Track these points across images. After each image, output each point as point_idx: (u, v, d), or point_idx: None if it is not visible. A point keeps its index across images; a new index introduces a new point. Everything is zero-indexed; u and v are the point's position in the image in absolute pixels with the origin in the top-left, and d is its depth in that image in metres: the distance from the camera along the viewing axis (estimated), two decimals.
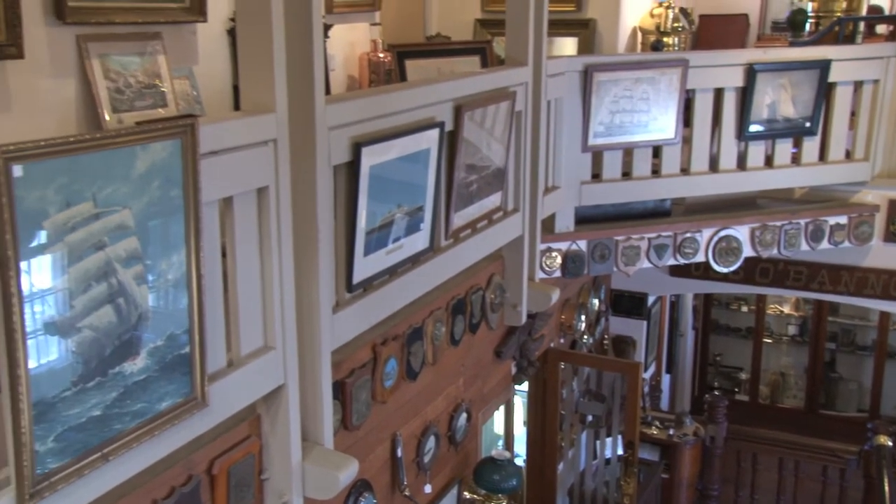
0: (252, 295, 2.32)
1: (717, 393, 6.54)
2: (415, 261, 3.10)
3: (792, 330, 9.39)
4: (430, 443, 3.55)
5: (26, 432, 1.63)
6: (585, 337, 5.49)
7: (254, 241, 2.30)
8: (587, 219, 4.62)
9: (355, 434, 2.98)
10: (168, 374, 1.98)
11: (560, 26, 5.55)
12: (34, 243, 1.62)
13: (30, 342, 1.63)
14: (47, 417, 1.68)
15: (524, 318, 4.17)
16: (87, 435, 1.78)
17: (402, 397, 3.29)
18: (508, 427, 4.75)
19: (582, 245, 4.54)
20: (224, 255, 2.24)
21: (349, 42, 5.22)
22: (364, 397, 2.97)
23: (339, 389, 2.82)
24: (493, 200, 3.69)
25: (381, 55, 5.21)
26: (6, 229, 1.54)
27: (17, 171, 1.55)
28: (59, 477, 1.72)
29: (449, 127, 3.15)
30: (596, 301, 5.70)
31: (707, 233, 4.81)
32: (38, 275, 1.64)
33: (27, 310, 1.61)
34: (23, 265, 1.59)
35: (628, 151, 4.60)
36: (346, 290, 2.72)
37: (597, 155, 4.54)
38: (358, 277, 2.74)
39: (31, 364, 1.64)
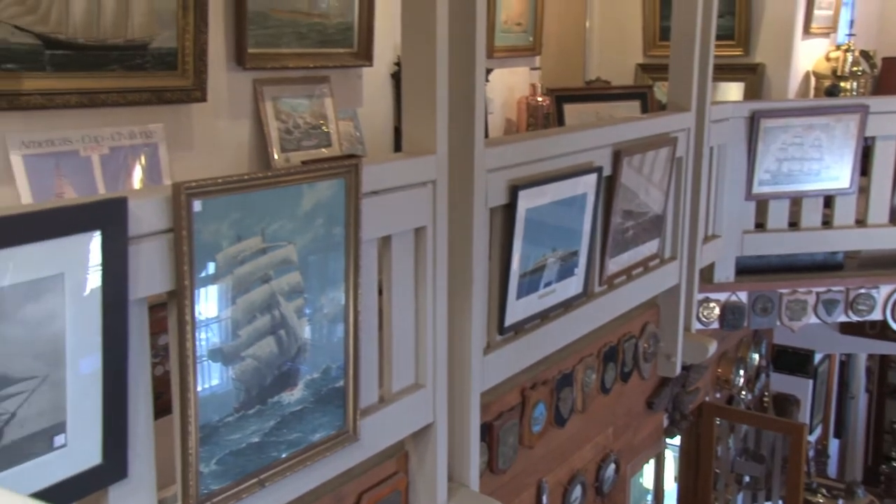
0: (406, 332, 2.35)
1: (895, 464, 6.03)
2: (567, 306, 3.06)
3: None
4: (577, 492, 3.46)
5: (193, 453, 1.72)
6: (744, 393, 5.22)
7: (410, 279, 2.34)
8: (749, 269, 4.42)
9: (501, 478, 2.94)
10: (323, 406, 2.03)
11: (725, 71, 5.39)
12: (207, 274, 1.71)
13: (199, 367, 1.72)
14: (211, 441, 1.77)
15: (678, 370, 4.02)
16: (246, 460, 1.85)
17: (550, 443, 3.24)
18: (659, 481, 4.56)
19: (742, 296, 4.34)
20: (380, 292, 2.29)
21: (508, 86, 5.28)
22: (511, 441, 2.94)
23: (487, 431, 2.81)
24: (650, 247, 3.60)
25: (540, 99, 5.24)
26: (184, 260, 1.64)
27: (197, 206, 1.65)
28: (219, 499, 1.79)
29: (607, 172, 3.11)
30: (756, 356, 5.42)
31: (885, 289, 4.47)
32: (209, 304, 1.73)
33: (198, 337, 1.71)
34: (196, 294, 1.69)
35: (796, 201, 4.37)
36: (497, 332, 2.71)
37: (761, 204, 4.35)
38: (510, 320, 2.73)
39: (199, 388, 1.72)
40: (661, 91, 5.02)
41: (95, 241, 1.50)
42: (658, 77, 5.56)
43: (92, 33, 2.88)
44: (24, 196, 2.75)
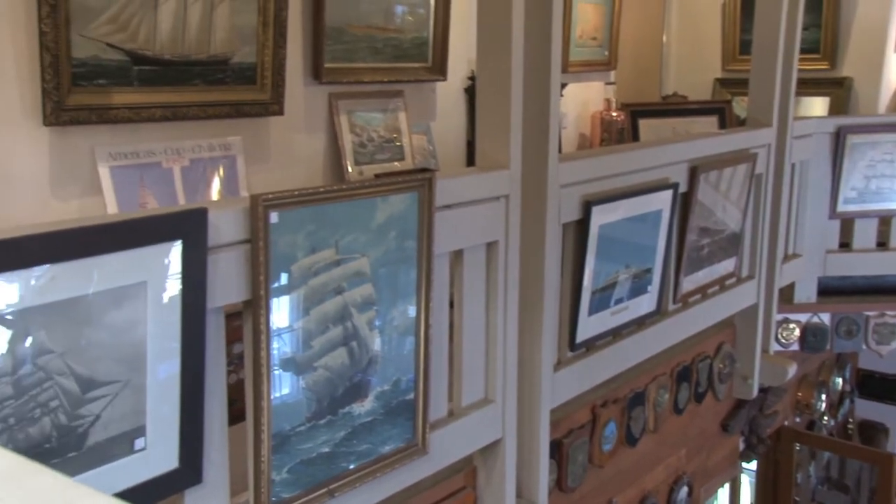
0: (476, 347, 2.35)
1: None
2: (640, 323, 3.01)
3: None
4: None
5: (265, 461, 1.74)
6: (825, 418, 5.04)
7: (481, 293, 2.34)
8: (832, 290, 4.27)
9: (570, 496, 2.90)
10: (392, 418, 2.04)
11: (809, 85, 5.24)
12: (282, 285, 1.74)
13: (272, 376, 1.75)
14: (283, 449, 1.79)
15: (755, 392, 3.91)
16: (316, 470, 1.87)
17: (620, 463, 3.18)
18: None
19: (825, 318, 4.20)
20: (451, 305, 2.29)
21: (582, 101, 5.24)
22: (581, 459, 2.91)
23: (556, 449, 2.78)
24: (726, 266, 3.52)
25: (614, 114, 5.19)
26: (260, 270, 1.67)
27: (274, 217, 1.68)
28: None
29: (683, 188, 3.05)
30: (839, 380, 5.23)
31: None
32: (283, 314, 1.76)
33: (272, 346, 1.74)
34: (271, 304, 1.72)
35: (885, 220, 4.22)
36: (568, 348, 2.69)
37: (846, 222, 4.21)
38: (581, 337, 2.70)
39: (272, 397, 1.75)
40: (739, 106, 4.91)
41: (176, 250, 1.54)
42: (737, 92, 5.44)
43: (177, 49, 2.98)
44: (110, 206, 2.84)
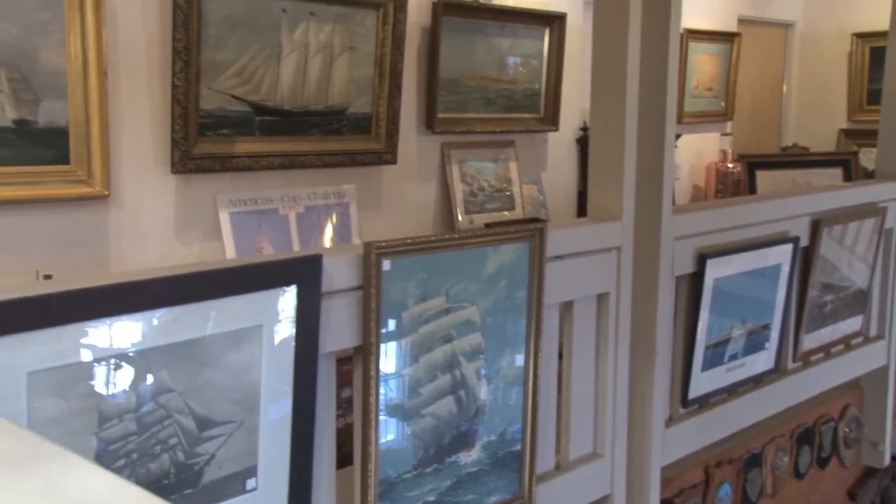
0: (585, 399, 2.30)
1: None
2: (757, 381, 2.89)
3: None
4: None
5: None
6: None
7: (591, 345, 2.30)
8: None
9: None
10: (499, 469, 2.01)
11: None
12: (392, 331, 1.76)
13: (380, 422, 1.75)
14: (389, 496, 1.79)
15: (887, 460, 3.66)
16: None
17: None
18: None
19: None
20: (560, 356, 2.25)
21: (697, 152, 5.15)
22: None
23: None
24: (852, 324, 3.35)
25: (730, 165, 5.07)
26: (372, 317, 1.69)
27: (386, 265, 1.71)
28: None
29: (804, 242, 2.94)
30: None
31: None
32: (392, 361, 1.78)
33: (381, 392, 1.75)
34: (382, 350, 1.73)
35: None
36: (680, 404, 2.60)
37: None
38: (694, 393, 2.61)
39: (380, 443, 1.76)
40: (867, 158, 4.72)
41: (291, 295, 1.58)
42: (865, 143, 5.23)
43: (297, 101, 3.10)
44: (228, 250, 2.96)
